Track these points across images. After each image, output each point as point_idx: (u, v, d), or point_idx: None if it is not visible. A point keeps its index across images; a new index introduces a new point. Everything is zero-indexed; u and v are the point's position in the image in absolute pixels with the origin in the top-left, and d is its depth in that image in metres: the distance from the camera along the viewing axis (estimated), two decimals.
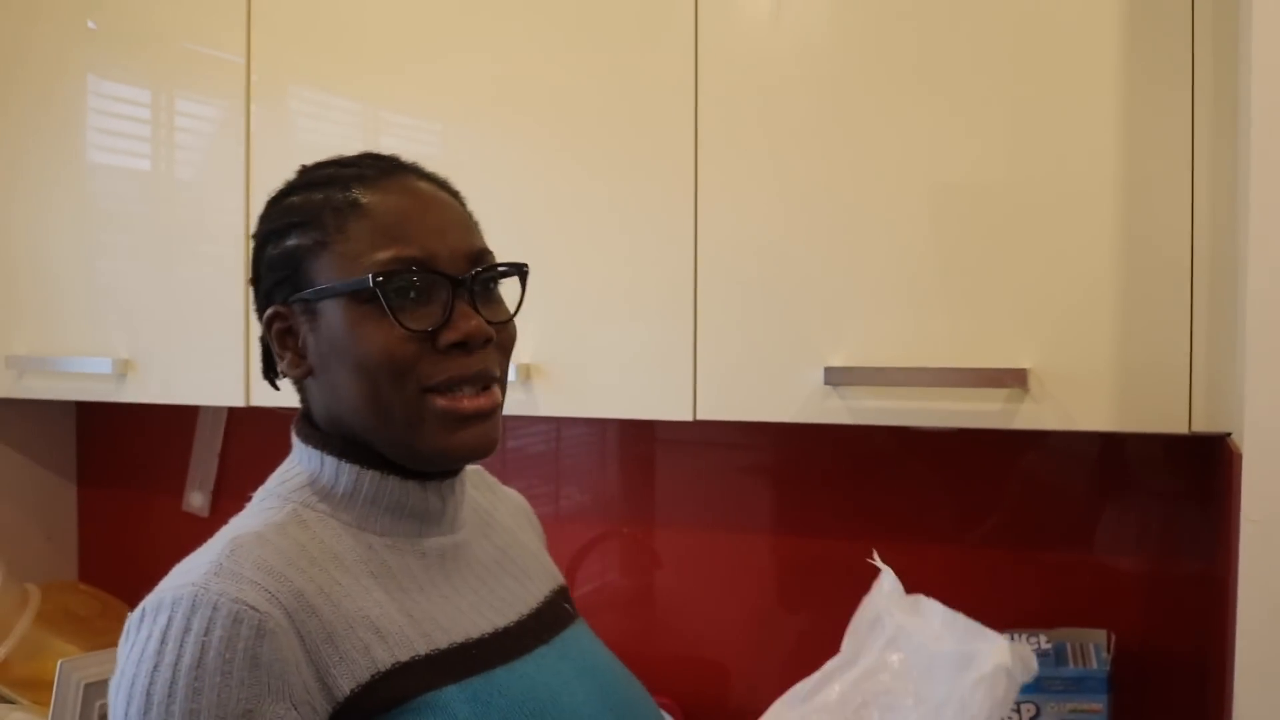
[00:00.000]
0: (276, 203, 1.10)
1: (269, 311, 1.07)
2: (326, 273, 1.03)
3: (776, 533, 1.99)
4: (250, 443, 2.38)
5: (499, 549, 1.18)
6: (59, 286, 2.12)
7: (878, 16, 1.54)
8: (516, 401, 1.72)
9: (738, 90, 1.61)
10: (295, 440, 1.10)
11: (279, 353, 1.08)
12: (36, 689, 2.12)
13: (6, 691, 2.15)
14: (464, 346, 1.02)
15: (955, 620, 1.10)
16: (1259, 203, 1.16)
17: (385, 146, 1.81)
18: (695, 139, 1.63)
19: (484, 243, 1.09)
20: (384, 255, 1.02)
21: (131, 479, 2.53)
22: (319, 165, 1.11)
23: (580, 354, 1.69)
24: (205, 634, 0.88)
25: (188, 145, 2.03)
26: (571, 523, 2.14)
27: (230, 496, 2.34)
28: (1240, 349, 1.23)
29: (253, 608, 0.90)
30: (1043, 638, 1.70)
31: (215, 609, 0.89)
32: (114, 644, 2.17)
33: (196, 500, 2.43)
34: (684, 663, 2.04)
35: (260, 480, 1.12)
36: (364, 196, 1.04)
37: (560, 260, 1.70)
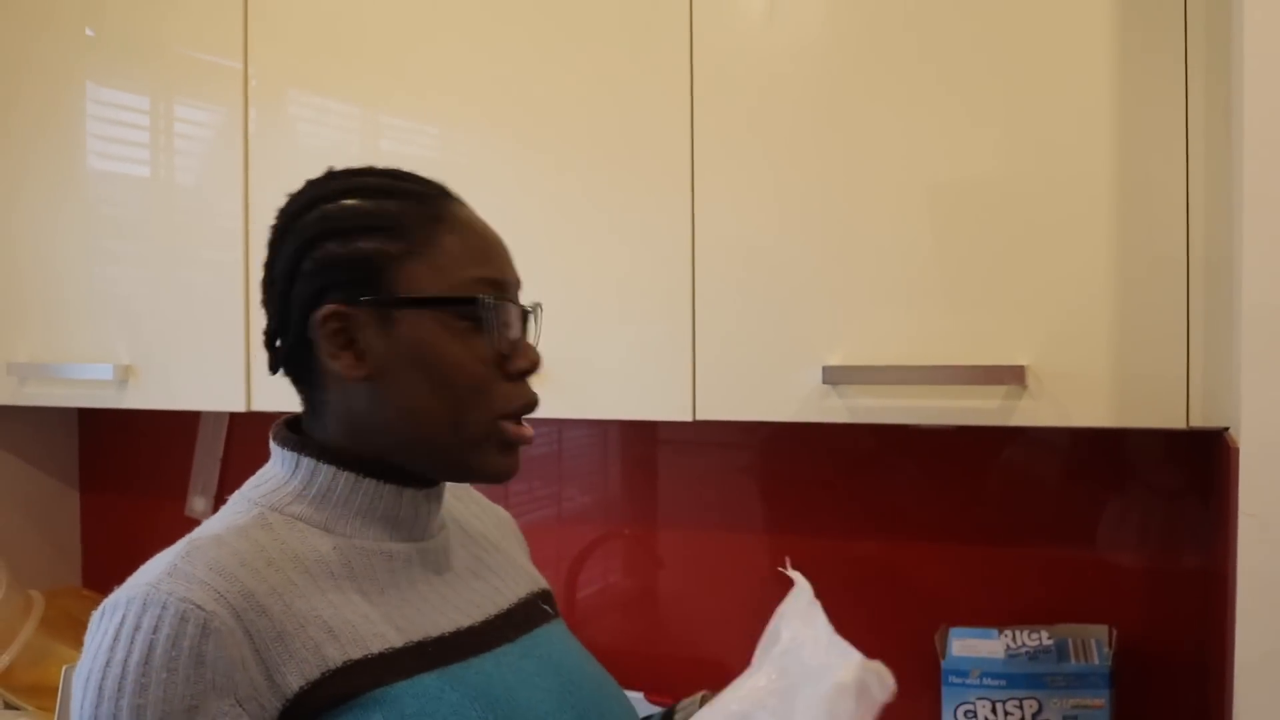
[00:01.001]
0: (326, 203, 1.08)
1: (326, 309, 1.05)
2: (413, 282, 1.06)
3: (777, 532, 1.99)
4: (252, 447, 2.37)
5: (474, 557, 1.21)
6: (60, 293, 2.12)
7: (872, 16, 1.54)
8: None
9: (733, 91, 1.61)
10: (272, 445, 1.12)
11: (332, 352, 1.06)
12: (41, 695, 2.13)
13: (11, 698, 2.15)
14: (524, 376, 1.10)
15: (827, 634, 1.09)
16: (1253, 198, 1.16)
17: (384, 150, 1.83)
18: (691, 140, 1.63)
19: None
20: (480, 274, 1.08)
21: (134, 484, 2.54)
22: (359, 173, 1.12)
23: (579, 356, 1.69)
24: (154, 631, 0.92)
25: (187, 151, 2.03)
26: (573, 524, 2.14)
27: None
28: (1236, 344, 1.23)
29: (199, 606, 0.93)
30: (1044, 634, 1.70)
31: (164, 608, 0.92)
32: None
33: (199, 505, 2.44)
34: (685, 663, 2.04)
35: None
36: (444, 212, 1.09)
37: (558, 262, 1.71)
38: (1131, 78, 1.42)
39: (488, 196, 1.74)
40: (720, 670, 2.02)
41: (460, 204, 1.12)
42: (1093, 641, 1.69)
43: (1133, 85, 1.42)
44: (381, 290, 1.05)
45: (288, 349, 1.10)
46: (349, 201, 1.08)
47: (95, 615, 0.97)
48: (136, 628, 0.92)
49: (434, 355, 1.05)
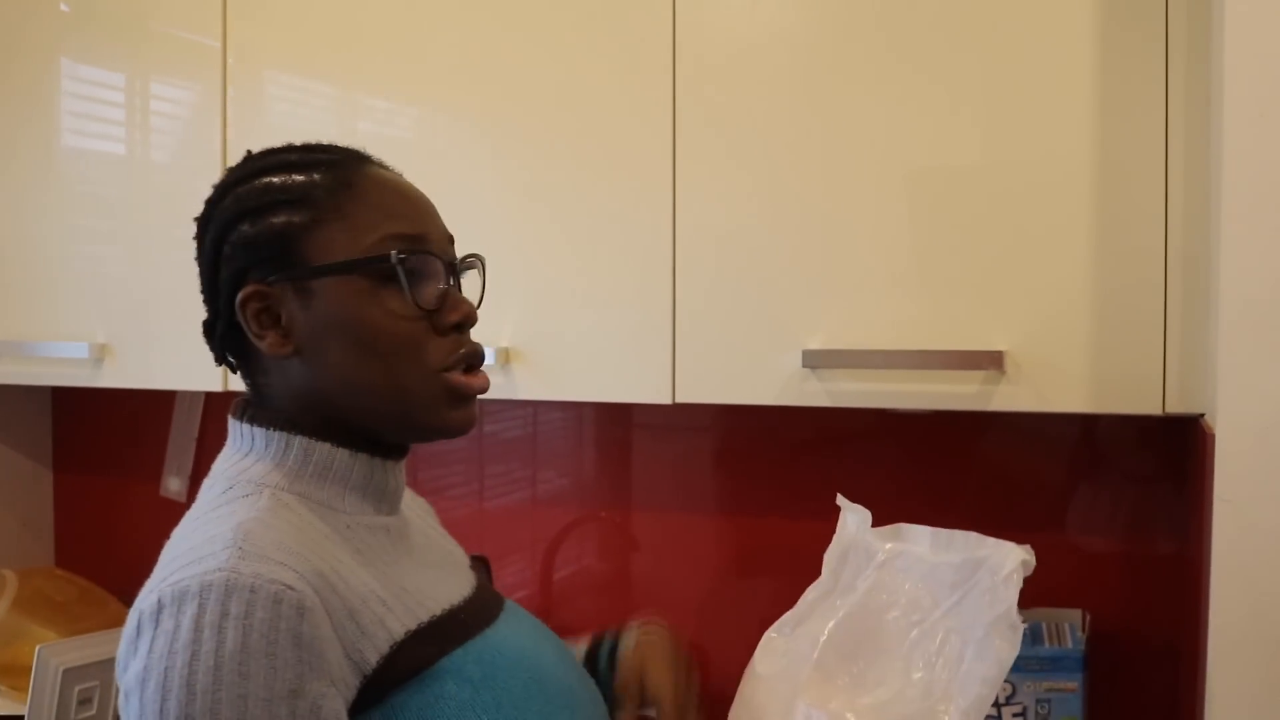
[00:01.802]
0: (240, 185, 1.08)
1: (245, 291, 1.05)
2: (325, 251, 1.04)
3: (754, 515, 2.00)
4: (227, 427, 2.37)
5: (421, 531, 1.20)
6: (34, 271, 2.11)
7: (853, 4, 1.54)
8: (496, 385, 1.72)
9: (715, 76, 1.61)
10: (244, 427, 1.09)
11: (257, 333, 1.05)
12: (14, 675, 2.12)
13: None
14: (460, 328, 1.07)
15: (950, 535, 1.13)
16: (1231, 186, 1.17)
17: (361, 130, 1.82)
18: (673, 123, 1.63)
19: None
20: (392, 231, 1.05)
21: (108, 464, 2.52)
22: (276, 151, 1.12)
23: (559, 338, 1.69)
24: (246, 617, 0.87)
25: (163, 129, 2.02)
26: (549, 507, 2.14)
27: None
28: (1213, 331, 1.24)
29: (290, 587, 0.90)
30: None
31: (254, 591, 0.88)
32: (92, 629, 2.17)
33: (174, 485, 2.42)
34: None
35: None
36: (352, 177, 1.06)
37: (539, 244, 1.70)
38: (1112, 66, 1.43)
39: (467, 177, 1.74)
40: (697, 652, 2.02)
41: (376, 166, 1.10)
42: (1066, 625, 1.70)
43: (1113, 73, 1.43)
44: (295, 264, 1.04)
45: (221, 335, 1.10)
46: (260, 180, 1.07)
47: (147, 611, 0.91)
48: (224, 614, 0.87)
49: (354, 321, 1.03)
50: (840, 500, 1.23)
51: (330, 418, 1.06)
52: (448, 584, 1.11)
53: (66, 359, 2.05)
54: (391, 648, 0.97)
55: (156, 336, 1.98)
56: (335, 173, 1.06)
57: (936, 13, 1.50)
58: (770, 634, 1.19)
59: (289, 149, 1.11)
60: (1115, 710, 1.77)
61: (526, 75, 1.72)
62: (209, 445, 2.41)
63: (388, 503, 1.11)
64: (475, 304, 1.11)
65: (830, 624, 1.13)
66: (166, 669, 0.87)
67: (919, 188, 1.52)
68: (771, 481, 1.99)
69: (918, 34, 1.51)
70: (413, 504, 1.25)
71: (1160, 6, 1.40)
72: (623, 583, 2.11)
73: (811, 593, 1.21)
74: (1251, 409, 1.17)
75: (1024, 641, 1.65)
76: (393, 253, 1.03)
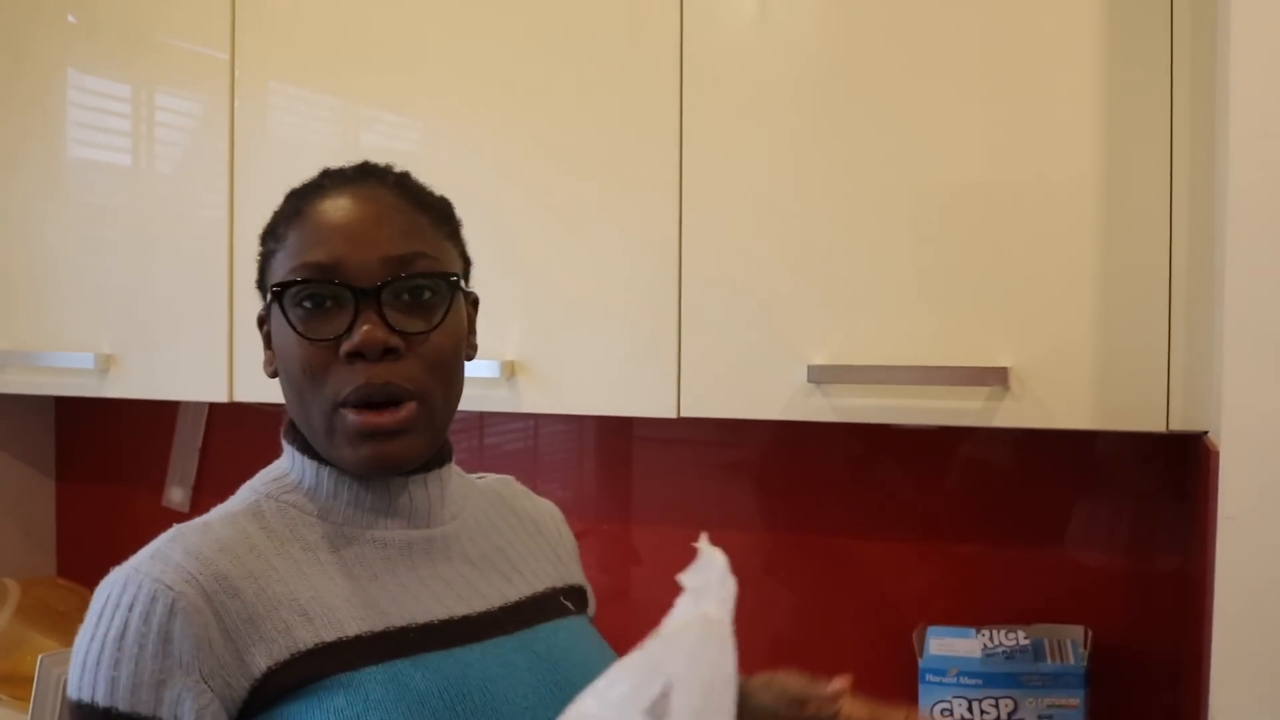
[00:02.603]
0: (276, 209, 1.14)
1: (259, 313, 1.14)
2: (272, 279, 1.09)
3: (756, 530, 2.00)
4: (232, 438, 2.37)
5: (495, 547, 1.19)
6: (41, 281, 2.11)
7: (860, 21, 1.55)
8: (499, 398, 1.73)
9: (722, 90, 1.62)
10: (282, 434, 1.15)
11: (265, 351, 1.14)
12: (15, 684, 2.12)
13: None
14: (361, 357, 1.03)
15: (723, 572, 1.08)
16: (1236, 204, 1.18)
17: (367, 143, 1.83)
18: (680, 138, 1.63)
19: (422, 248, 1.07)
20: (303, 260, 1.05)
21: (111, 474, 2.52)
22: (320, 174, 1.14)
23: (564, 351, 1.70)
24: (129, 609, 0.97)
25: (170, 140, 2.03)
26: None
27: (211, 492, 2.33)
28: (1217, 348, 1.24)
29: (169, 587, 0.98)
30: (1021, 634, 1.72)
31: (139, 587, 0.98)
32: None
33: (177, 495, 2.42)
34: None
35: (241, 475, 1.15)
36: (310, 204, 1.08)
37: (544, 258, 1.71)
38: (1116, 83, 1.43)
39: (472, 190, 1.74)
40: None
41: (341, 188, 1.09)
42: (1068, 642, 1.70)
43: (1118, 91, 1.43)
44: (265, 292, 1.11)
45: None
46: (280, 205, 1.13)
47: (95, 592, 1.02)
48: (116, 605, 0.98)
49: (279, 347, 1.08)
50: (701, 543, 1.17)
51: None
52: (442, 601, 1.09)
53: (71, 369, 2.06)
54: (292, 655, 1.00)
55: (161, 347, 1.98)
56: (296, 201, 1.10)
57: (942, 30, 1.51)
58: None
59: (322, 172, 1.13)
60: None
61: (532, 90, 1.72)
62: (213, 456, 2.41)
63: (402, 517, 1.11)
64: (432, 325, 1.06)
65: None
66: (78, 645, 0.99)
67: (925, 204, 1.52)
68: (776, 496, 1.99)
69: (924, 51, 1.52)
70: (515, 515, 1.26)
71: (1165, 28, 1.41)
72: (623, 595, 2.11)
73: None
74: (1255, 426, 1.17)
75: (1026, 657, 1.67)
76: (275, 284, 1.06)
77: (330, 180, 1.11)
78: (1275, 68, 1.16)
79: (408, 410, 1.05)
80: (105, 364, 2.02)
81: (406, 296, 1.06)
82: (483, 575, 1.15)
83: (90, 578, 2.41)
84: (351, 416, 1.04)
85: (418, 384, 1.05)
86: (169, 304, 1.98)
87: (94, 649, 0.97)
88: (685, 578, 1.12)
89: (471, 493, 1.22)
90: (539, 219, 1.72)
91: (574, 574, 1.30)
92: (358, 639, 1.03)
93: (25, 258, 2.12)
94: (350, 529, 1.09)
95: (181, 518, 1.10)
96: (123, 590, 0.98)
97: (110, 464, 2.53)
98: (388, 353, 1.03)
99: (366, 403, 1.04)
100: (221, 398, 1.92)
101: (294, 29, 1.88)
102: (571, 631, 1.20)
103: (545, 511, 1.34)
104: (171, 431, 2.45)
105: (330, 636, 1.02)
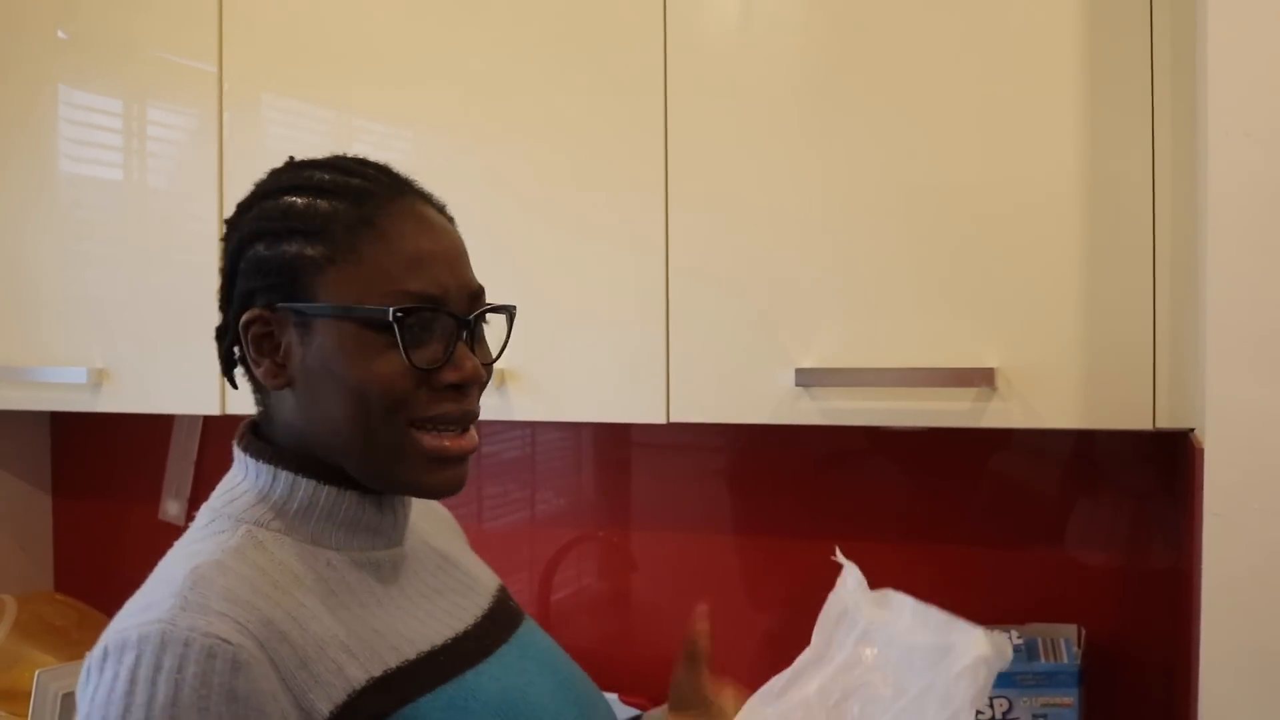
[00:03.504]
0: (268, 199, 1.05)
1: (249, 314, 1.03)
2: (333, 291, 1.01)
3: (751, 533, 2.00)
4: (226, 451, 2.36)
5: (441, 555, 1.18)
6: (33, 296, 2.11)
7: (847, 22, 1.56)
8: (491, 407, 1.72)
9: (707, 95, 1.62)
10: (240, 454, 1.08)
11: (254, 358, 1.04)
12: (14, 700, 2.12)
13: None
14: (460, 388, 1.03)
15: (928, 613, 1.12)
16: (1216, 203, 1.18)
17: (357, 154, 1.83)
18: (665, 144, 1.64)
19: (478, 280, 1.09)
20: (404, 287, 1.00)
21: (107, 488, 2.53)
22: (314, 165, 1.08)
23: (554, 359, 1.70)
24: (178, 671, 0.85)
25: (161, 154, 2.03)
26: (547, 527, 2.15)
27: None
28: (1201, 347, 1.25)
29: (226, 640, 0.87)
30: (1014, 633, 1.72)
31: (187, 645, 0.86)
32: None
33: (172, 509, 2.43)
34: (659, 664, 2.04)
35: None
36: (377, 216, 1.02)
37: (532, 266, 1.71)
38: (1098, 83, 1.44)
39: (461, 199, 1.74)
40: None
41: (405, 202, 1.05)
42: (1062, 641, 1.71)
43: (1100, 91, 1.44)
44: (301, 297, 1.01)
45: (226, 349, 1.08)
46: (287, 199, 1.04)
47: (94, 657, 0.90)
48: (157, 668, 0.86)
49: (346, 366, 1.00)
50: (839, 557, 1.22)
51: (311, 454, 1.05)
52: (440, 619, 1.08)
53: (64, 384, 2.06)
54: (350, 696, 0.94)
55: (154, 360, 1.99)
56: (360, 206, 1.02)
57: (929, 31, 1.52)
58: (753, 700, 1.18)
59: (328, 163, 1.08)
60: None
61: (520, 97, 1.73)
62: (207, 468, 2.41)
63: (384, 537, 1.08)
64: (494, 355, 1.09)
65: (786, 703, 1.13)
66: (103, 719, 0.86)
67: (911, 205, 1.53)
68: (767, 499, 2.00)
69: (910, 52, 1.53)
70: (431, 527, 1.23)
71: (1145, 30, 1.42)
72: (621, 601, 2.11)
73: (802, 658, 1.20)
74: (1239, 423, 1.17)
75: (1020, 657, 1.68)
76: (393, 309, 0.99)
77: (377, 185, 1.05)
78: (1252, 69, 1.17)
79: (473, 434, 1.07)
80: (98, 378, 2.02)
81: (478, 329, 1.07)
82: (448, 587, 1.14)
83: (88, 592, 2.42)
84: (429, 440, 1.02)
85: (478, 409, 1.08)
86: (161, 317, 1.98)
87: None
88: (844, 594, 1.14)
89: None
90: (526, 227, 1.72)
91: (492, 572, 1.29)
92: (400, 669, 0.99)
93: (16, 272, 2.13)
94: (345, 552, 1.04)
95: (177, 531, 1.08)
96: (161, 650, 0.86)
97: (106, 478, 2.53)
98: (478, 386, 1.05)
99: (443, 426, 1.03)
100: (214, 411, 1.93)
101: (283, 40, 1.89)
102: (538, 632, 1.22)
103: (439, 513, 1.31)
104: (166, 445, 2.45)
105: (377, 671, 0.97)
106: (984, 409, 1.49)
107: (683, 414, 1.64)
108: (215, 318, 1.88)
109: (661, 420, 1.65)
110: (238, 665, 0.87)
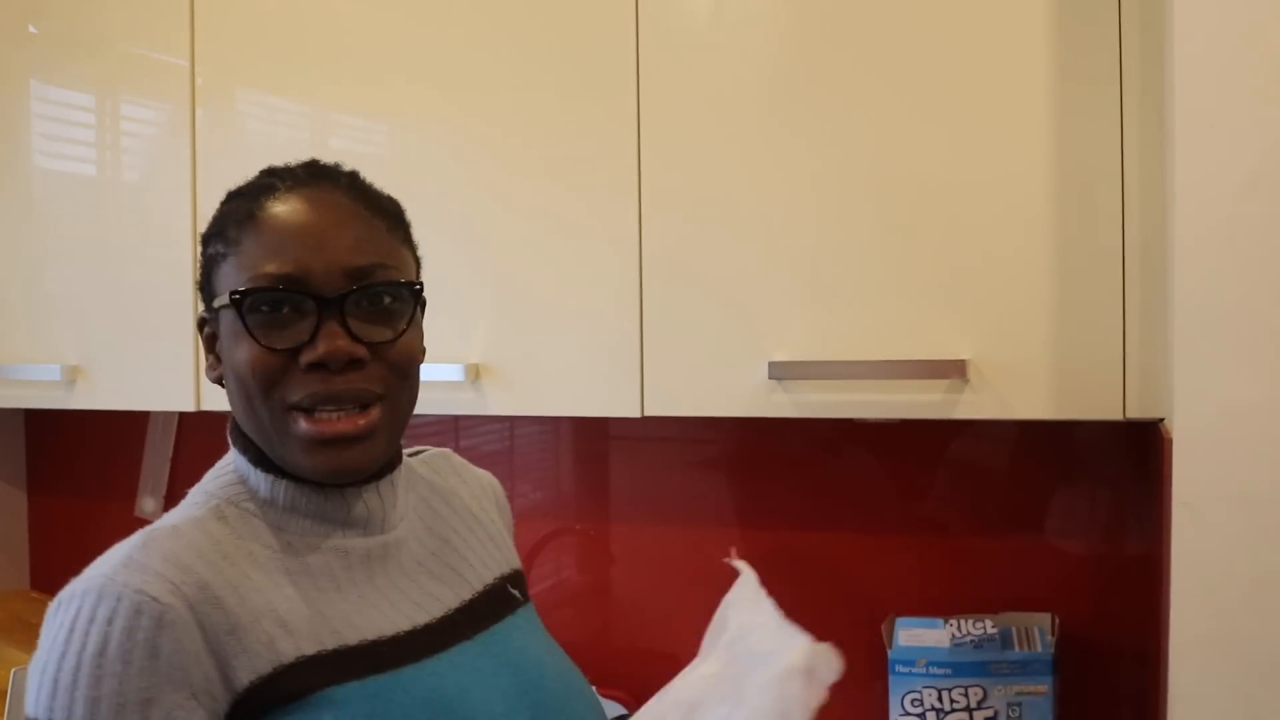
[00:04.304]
0: (218, 208, 1.11)
1: (199, 315, 1.12)
2: (224, 284, 1.06)
3: (727, 525, 2.01)
4: (202, 446, 2.37)
5: (440, 539, 1.19)
6: (5, 294, 2.11)
7: (816, 17, 1.56)
8: (465, 401, 1.73)
9: (679, 87, 1.63)
10: (230, 439, 1.13)
11: (206, 354, 1.12)
12: None
13: None
14: (324, 367, 1.03)
15: (775, 620, 1.12)
16: (1185, 193, 1.19)
17: (333, 148, 1.83)
18: (638, 138, 1.64)
19: (382, 259, 1.07)
20: (258, 271, 1.03)
21: (82, 485, 2.52)
22: (262, 173, 1.12)
23: (528, 353, 1.70)
24: (108, 624, 0.91)
25: (133, 149, 2.02)
26: (525, 520, 2.14)
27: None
28: (1170, 337, 1.25)
29: (154, 599, 0.93)
30: (988, 622, 1.73)
31: (119, 600, 0.92)
32: None
33: (149, 505, 2.42)
34: (638, 656, 2.06)
35: None
36: (263, 209, 1.06)
37: (507, 260, 1.72)
38: (1067, 73, 1.45)
39: (436, 194, 1.75)
40: (673, 663, 2.03)
41: (297, 191, 1.07)
42: (1036, 629, 1.72)
43: (1070, 84, 1.45)
44: (211, 295, 1.08)
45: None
46: (221, 208, 1.10)
47: (51, 607, 0.96)
48: (91, 619, 0.92)
49: (230, 355, 1.05)
50: (733, 560, 1.22)
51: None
52: (402, 610, 1.09)
53: (38, 381, 2.05)
54: (274, 669, 0.97)
55: (129, 357, 1.98)
56: (247, 203, 1.07)
57: (897, 24, 1.52)
58: (651, 700, 1.19)
59: (274, 168, 1.11)
60: (1085, 713, 1.79)
61: (493, 90, 1.73)
62: (183, 465, 2.41)
63: (356, 527, 1.10)
64: (396, 334, 1.07)
65: (660, 706, 1.13)
66: (45, 663, 0.93)
67: (881, 197, 1.53)
68: (743, 490, 2.01)
69: (878, 45, 1.53)
70: (464, 495, 1.27)
71: (1113, 21, 1.42)
72: (599, 594, 2.12)
73: (690, 665, 1.20)
74: (1208, 413, 1.18)
75: (994, 646, 1.69)
76: (233, 292, 1.03)
77: (281, 181, 1.08)
78: (1219, 62, 1.18)
79: (374, 414, 1.05)
80: (72, 375, 2.02)
81: (367, 304, 1.05)
82: (434, 577, 1.15)
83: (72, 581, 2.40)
84: (306, 423, 1.03)
85: (384, 386, 1.06)
86: (134, 313, 1.97)
87: (67, 667, 0.91)
88: (732, 597, 1.15)
89: (411, 487, 1.21)
90: (500, 221, 1.72)
91: (511, 555, 1.30)
92: (336, 652, 1.01)
93: None
94: (310, 539, 1.07)
95: None
96: (97, 602, 0.92)
97: (81, 475, 2.52)
98: (352, 363, 1.03)
99: (321, 409, 1.03)
100: (189, 407, 1.92)
101: (256, 35, 1.88)
102: (524, 627, 1.21)
103: (484, 487, 1.33)
104: (142, 441, 2.44)
105: (310, 650, 1.00)
106: (956, 400, 1.49)
107: (657, 408, 1.64)
108: (189, 313, 1.90)
109: (636, 414, 1.65)
110: (162, 623, 0.92)
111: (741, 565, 1.22)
